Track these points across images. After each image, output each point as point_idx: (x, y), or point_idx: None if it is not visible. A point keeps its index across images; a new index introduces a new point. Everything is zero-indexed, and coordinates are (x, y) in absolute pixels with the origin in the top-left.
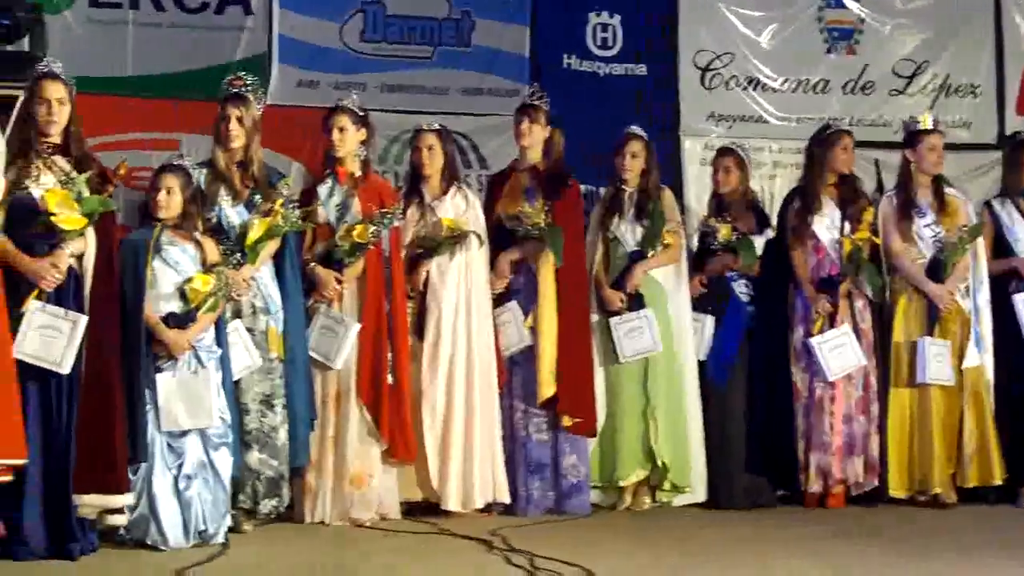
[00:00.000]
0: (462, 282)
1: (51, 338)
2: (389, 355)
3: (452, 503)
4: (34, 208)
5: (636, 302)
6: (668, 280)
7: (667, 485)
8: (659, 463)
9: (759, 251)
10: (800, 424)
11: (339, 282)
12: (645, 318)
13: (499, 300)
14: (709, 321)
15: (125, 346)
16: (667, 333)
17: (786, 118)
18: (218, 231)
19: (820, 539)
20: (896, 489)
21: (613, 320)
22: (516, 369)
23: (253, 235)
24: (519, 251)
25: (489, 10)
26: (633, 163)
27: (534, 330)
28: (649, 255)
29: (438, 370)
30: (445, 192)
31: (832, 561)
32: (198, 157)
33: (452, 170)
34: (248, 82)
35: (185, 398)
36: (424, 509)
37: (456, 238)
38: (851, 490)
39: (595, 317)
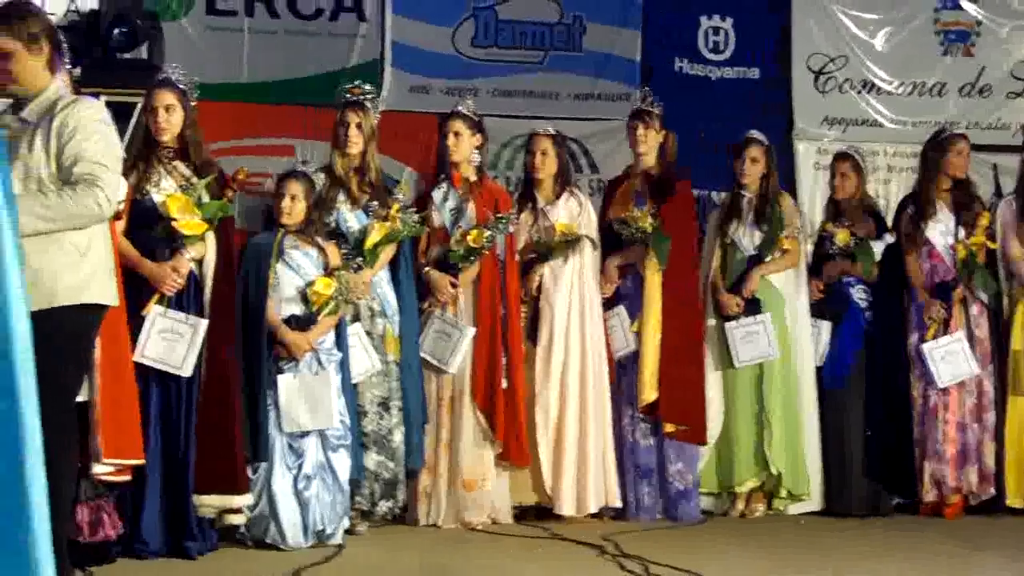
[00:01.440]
0: (575, 286)
1: (172, 342)
2: (503, 359)
3: (566, 508)
4: (155, 213)
5: (753, 307)
6: (786, 285)
7: (783, 492)
8: (773, 470)
9: (877, 256)
10: (916, 432)
11: (454, 286)
12: (762, 323)
13: (608, 304)
14: (826, 327)
15: (247, 348)
16: (784, 339)
17: (901, 121)
18: (336, 236)
19: (936, 549)
20: (1014, 499)
21: (729, 325)
22: (623, 374)
23: (372, 239)
24: (625, 255)
25: (600, 14)
26: (753, 167)
27: (638, 335)
28: (767, 260)
29: (551, 374)
30: (558, 196)
31: (948, 572)
32: (313, 162)
33: (565, 174)
34: (365, 90)
35: (306, 399)
36: (535, 513)
37: (569, 242)
38: (968, 500)
39: (711, 322)
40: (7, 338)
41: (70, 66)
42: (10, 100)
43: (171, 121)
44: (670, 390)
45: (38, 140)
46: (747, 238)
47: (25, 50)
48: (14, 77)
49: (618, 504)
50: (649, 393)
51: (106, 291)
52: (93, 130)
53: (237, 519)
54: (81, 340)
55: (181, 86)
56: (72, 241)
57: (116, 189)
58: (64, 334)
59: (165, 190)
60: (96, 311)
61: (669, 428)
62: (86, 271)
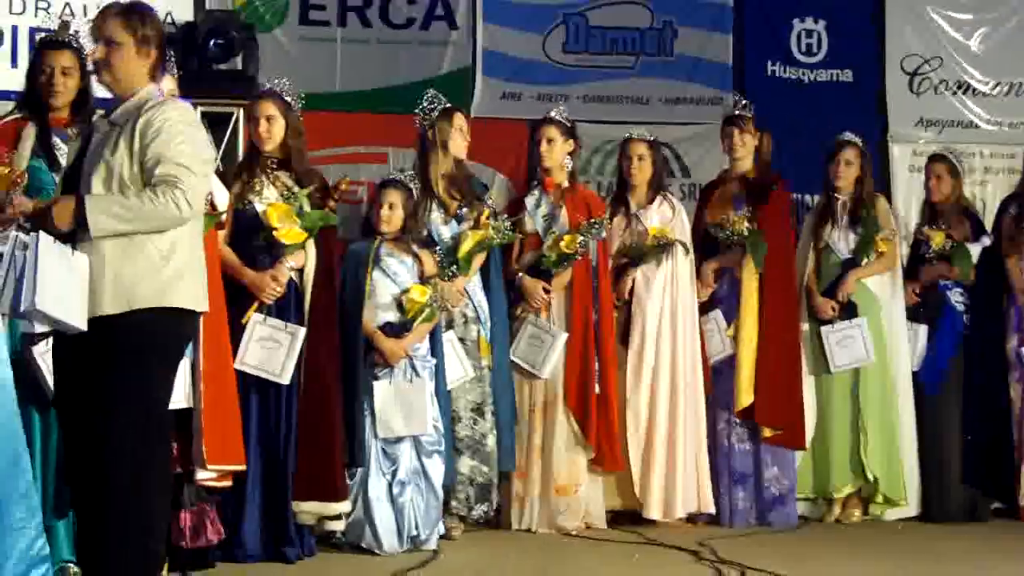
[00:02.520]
0: (667, 291)
1: (271, 349)
2: (596, 364)
3: (653, 512)
4: (257, 222)
5: (848, 311)
6: (882, 289)
7: (879, 498)
8: (869, 476)
9: (975, 259)
10: (1015, 436)
11: (547, 292)
12: (858, 327)
13: (704, 308)
14: (923, 331)
15: (344, 354)
16: (880, 343)
17: (997, 123)
18: (428, 243)
19: None
20: None
21: (824, 329)
22: (720, 378)
23: (466, 247)
24: (722, 259)
25: (692, 18)
26: (847, 170)
27: (735, 339)
28: (863, 263)
29: (642, 378)
30: (651, 201)
31: None
32: (406, 169)
33: (659, 179)
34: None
35: (401, 406)
36: (628, 518)
37: (662, 247)
38: None
39: (805, 326)
40: None
41: (172, 82)
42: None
43: (272, 131)
44: (767, 394)
45: (122, 141)
46: (842, 241)
47: (134, 47)
48: (113, 68)
49: (711, 509)
50: (746, 397)
51: (190, 296)
52: (178, 131)
53: (336, 525)
54: (166, 345)
55: (285, 97)
56: (155, 244)
57: (199, 193)
58: (144, 338)
59: (267, 199)
60: (181, 316)
61: (767, 432)
62: (168, 275)
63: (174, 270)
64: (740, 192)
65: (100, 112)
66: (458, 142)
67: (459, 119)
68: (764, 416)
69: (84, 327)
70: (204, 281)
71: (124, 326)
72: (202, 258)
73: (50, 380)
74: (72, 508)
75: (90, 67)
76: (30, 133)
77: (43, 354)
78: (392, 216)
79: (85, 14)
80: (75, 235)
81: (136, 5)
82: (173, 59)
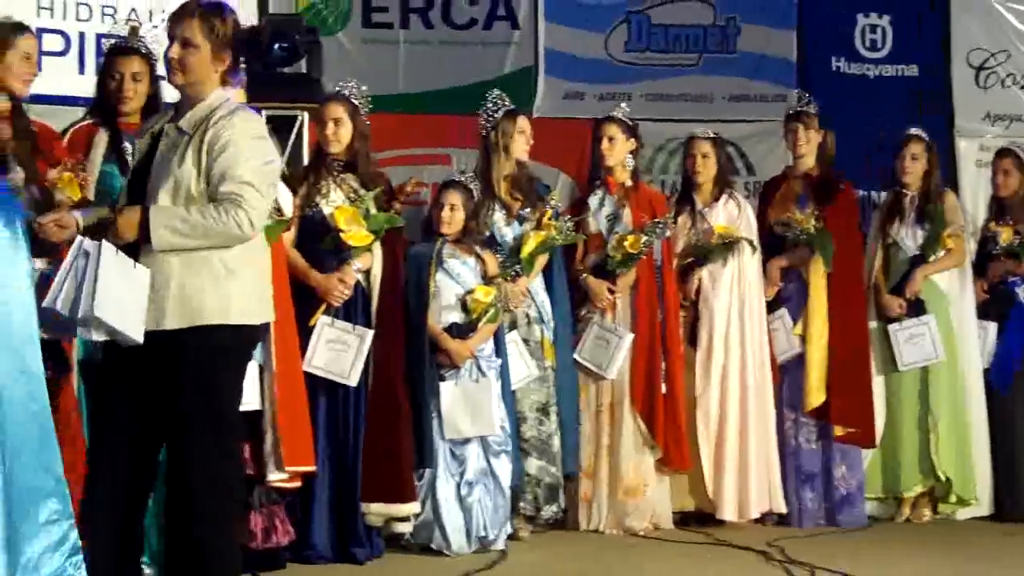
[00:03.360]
0: (735, 289)
1: (339, 352)
2: (663, 364)
3: (728, 513)
4: (324, 225)
5: (916, 308)
6: (951, 285)
7: (951, 498)
8: (940, 476)
9: None
10: None
11: (612, 292)
12: (926, 325)
13: (770, 307)
14: (992, 328)
15: (409, 356)
16: (949, 340)
17: None
18: (490, 244)
19: None
20: None
21: (892, 327)
22: (787, 377)
23: (528, 247)
24: (788, 258)
25: (755, 15)
26: (914, 165)
27: (803, 338)
28: (931, 259)
29: (711, 378)
30: (717, 199)
31: None
32: (468, 171)
33: (724, 177)
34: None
35: (467, 406)
36: (696, 518)
37: (728, 245)
38: None
39: (872, 324)
40: None
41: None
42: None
43: (340, 134)
44: (839, 393)
45: (190, 153)
46: (910, 238)
47: (211, 51)
48: (188, 71)
49: (782, 509)
50: (817, 396)
51: (255, 311)
52: (245, 146)
53: (404, 527)
54: (230, 358)
55: (353, 100)
56: (221, 259)
57: (262, 212)
58: (208, 353)
59: (334, 202)
60: (245, 331)
61: (839, 431)
62: (233, 290)
63: (239, 285)
64: (804, 190)
65: (168, 114)
66: (520, 144)
67: (522, 122)
68: (837, 415)
69: (140, 339)
70: (269, 292)
71: (188, 342)
72: (267, 269)
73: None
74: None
75: (160, 70)
76: (102, 139)
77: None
78: (453, 217)
79: (150, 19)
80: (138, 246)
81: (216, 5)
82: (244, 66)
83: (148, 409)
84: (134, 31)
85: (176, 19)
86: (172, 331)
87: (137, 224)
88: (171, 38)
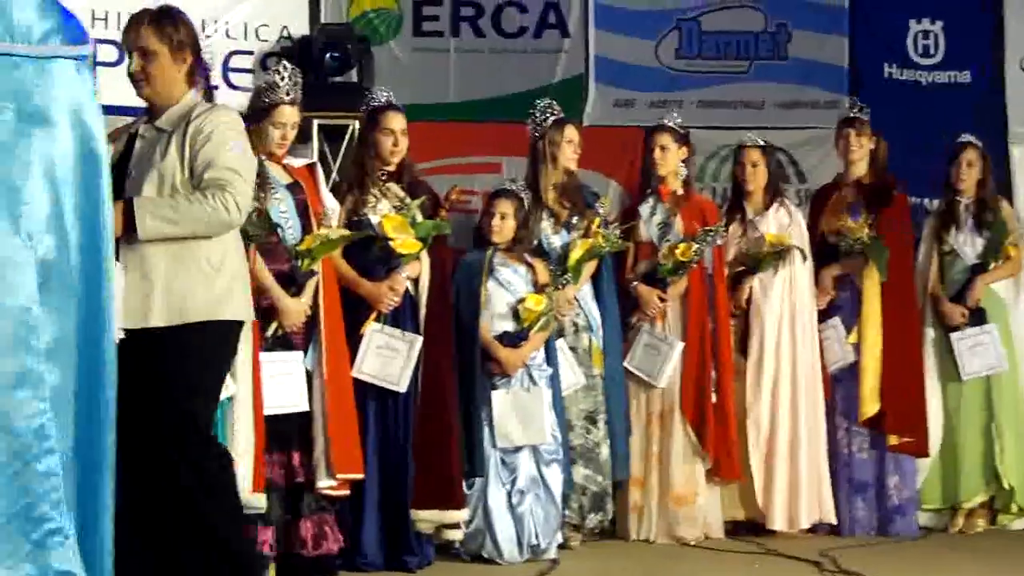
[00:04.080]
0: (786, 298)
1: (389, 358)
2: (713, 373)
3: (778, 523)
4: (372, 233)
5: (978, 317)
6: (1008, 293)
7: (1013, 508)
8: (1005, 485)
9: None
10: None
11: (662, 300)
12: (989, 333)
13: (822, 316)
14: None
15: (461, 364)
16: (1010, 348)
17: None
18: (539, 252)
19: None
20: None
21: (954, 336)
22: (839, 386)
23: (575, 256)
24: (842, 266)
25: (806, 21)
26: (969, 172)
27: (857, 346)
28: (991, 267)
29: (762, 387)
30: (768, 207)
31: None
32: (519, 179)
33: (775, 185)
34: (556, 107)
35: (519, 415)
36: (746, 528)
37: (779, 253)
38: None
39: (931, 332)
40: None
41: (209, 85)
42: (145, 107)
43: (403, 145)
44: (894, 402)
45: (172, 146)
46: (968, 246)
47: (169, 55)
48: (151, 80)
49: (833, 519)
50: (871, 406)
51: (241, 307)
52: (228, 137)
53: (454, 534)
54: (215, 357)
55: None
56: (206, 256)
57: (247, 197)
58: (196, 351)
59: (381, 211)
60: (231, 327)
61: (893, 440)
62: (220, 287)
63: (226, 282)
64: (856, 198)
65: (143, 118)
66: (567, 153)
67: (569, 131)
68: (892, 424)
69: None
70: (249, 292)
71: (174, 339)
72: (247, 269)
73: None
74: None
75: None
76: None
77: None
78: (504, 226)
79: (203, 29)
80: (118, 241)
81: (167, 10)
82: (210, 64)
83: (131, 407)
84: None
85: (129, 31)
86: (158, 329)
87: (121, 215)
88: (128, 52)
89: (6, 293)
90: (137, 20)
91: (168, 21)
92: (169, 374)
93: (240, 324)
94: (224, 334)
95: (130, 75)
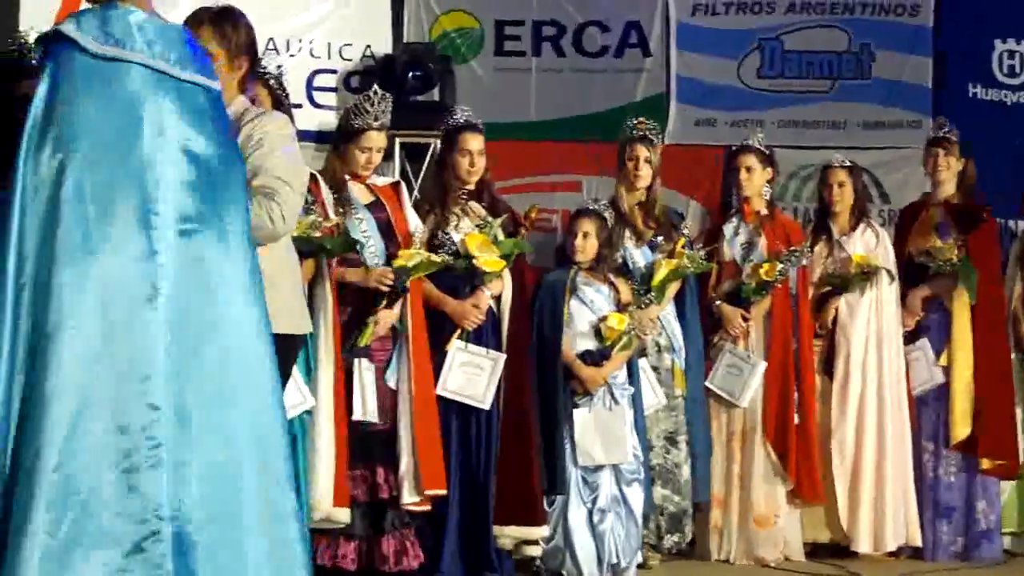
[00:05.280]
0: (872, 319)
1: (473, 375)
2: (796, 394)
3: (863, 545)
4: (472, 266)
5: None
6: None
7: None
8: None
9: None
10: None
11: (745, 320)
12: None
13: (910, 337)
14: None
15: (543, 382)
16: None
17: None
18: (623, 271)
19: None
20: None
21: None
22: (925, 408)
23: (660, 275)
24: (931, 287)
25: (889, 41)
26: None
27: (946, 369)
28: None
29: (848, 408)
30: (854, 228)
31: None
32: (601, 198)
33: (861, 205)
34: (651, 125)
35: (601, 434)
36: (828, 550)
37: (867, 274)
38: None
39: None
40: None
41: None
42: None
43: (480, 165)
44: (988, 426)
45: None
46: None
47: (226, 60)
48: None
49: (918, 542)
50: (962, 429)
51: (297, 322)
52: (278, 144)
53: (533, 551)
54: None
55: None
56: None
57: (295, 207)
58: None
59: (462, 230)
60: (289, 341)
61: (986, 464)
62: (274, 301)
63: (280, 296)
64: (945, 218)
65: None
66: (645, 172)
67: (640, 149)
68: (985, 448)
69: None
70: (305, 303)
71: None
72: (301, 281)
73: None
74: None
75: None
76: None
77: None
78: (586, 245)
79: (288, 49)
80: None
81: (227, 12)
82: (266, 68)
83: None
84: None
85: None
86: None
87: None
88: None
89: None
90: (196, 19)
91: (228, 23)
92: None
93: (299, 338)
94: (285, 346)
95: None
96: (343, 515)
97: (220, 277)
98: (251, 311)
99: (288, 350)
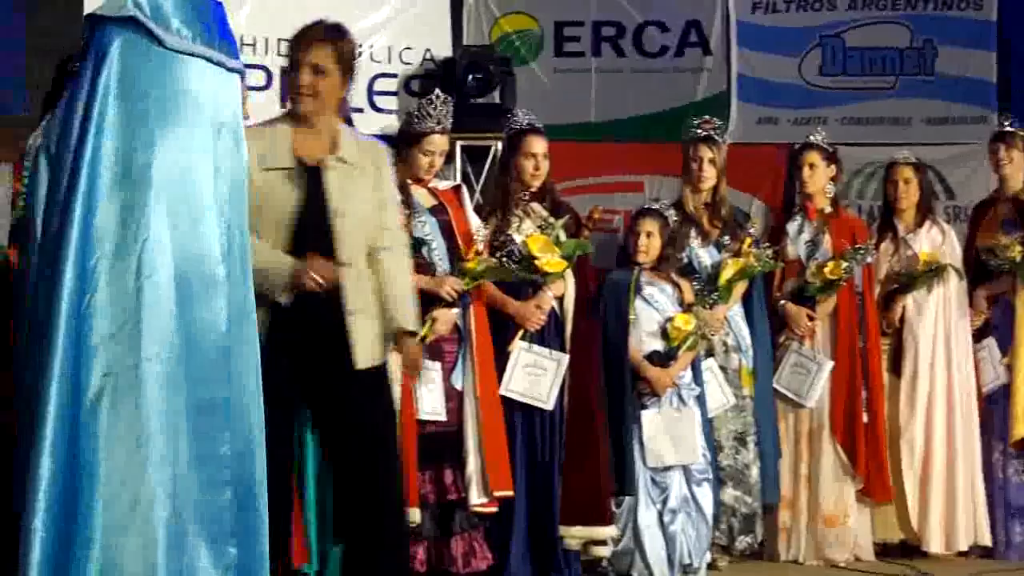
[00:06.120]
0: (940, 317)
1: (537, 376)
2: (863, 392)
3: (934, 545)
4: (538, 279)
5: None
6: None
7: None
8: None
9: None
10: None
11: (811, 319)
12: None
13: (977, 336)
14: None
15: (610, 383)
16: None
17: None
18: (688, 271)
19: None
20: None
21: None
22: (994, 408)
23: (726, 275)
24: (994, 285)
25: (952, 37)
26: None
27: (1010, 368)
28: None
29: (916, 407)
30: (920, 225)
31: None
32: (663, 198)
33: (927, 202)
34: (716, 124)
35: (669, 434)
36: (898, 550)
37: (934, 272)
38: None
39: None
40: None
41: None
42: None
43: (544, 167)
44: None
45: (361, 186)
46: None
47: (339, 75)
48: (318, 96)
49: (988, 542)
50: (1022, 427)
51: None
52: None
53: (602, 551)
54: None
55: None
56: None
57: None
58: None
59: (525, 231)
60: None
61: None
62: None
63: None
64: (1011, 214)
65: (286, 125)
66: (708, 171)
67: (703, 148)
68: None
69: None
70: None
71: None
72: None
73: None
74: None
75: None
76: None
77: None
78: (649, 245)
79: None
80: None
81: (342, 28)
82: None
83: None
84: None
85: (303, 44)
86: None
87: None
88: (296, 64)
89: (205, 309)
90: (313, 35)
91: (343, 41)
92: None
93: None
94: None
95: (294, 87)
96: (414, 515)
97: None
98: None
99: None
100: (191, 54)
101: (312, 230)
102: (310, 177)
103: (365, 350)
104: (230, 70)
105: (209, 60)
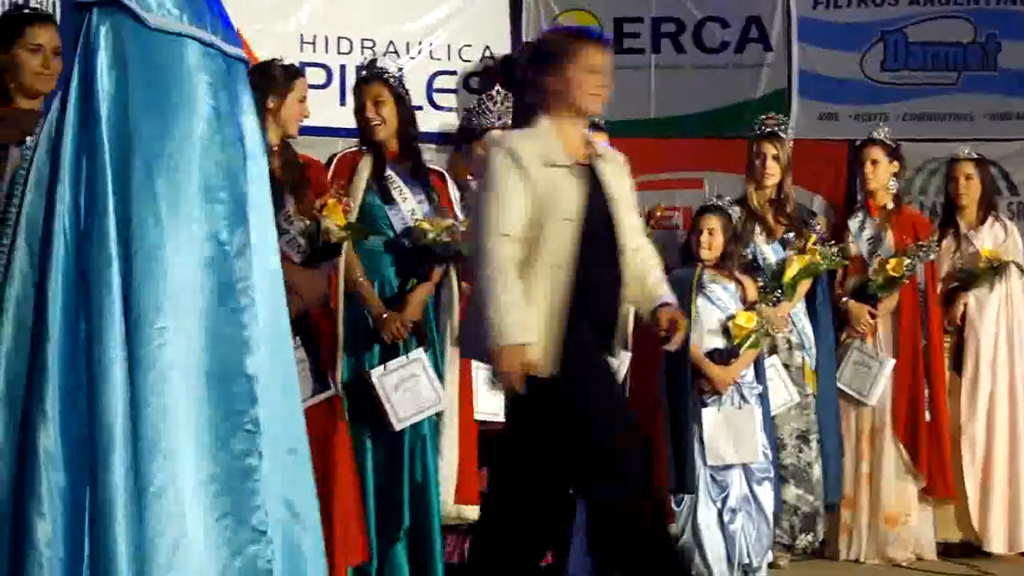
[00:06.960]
0: (1002, 315)
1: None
2: (926, 391)
3: (996, 545)
4: None
5: None
6: None
7: None
8: None
9: None
10: None
11: (873, 317)
12: None
13: None
14: None
15: (670, 381)
16: None
17: None
18: (753, 268)
19: None
20: None
21: None
22: None
23: (791, 272)
24: None
25: (1016, 31)
26: None
27: None
28: None
29: (978, 406)
30: (982, 222)
31: None
32: (724, 194)
33: (990, 199)
34: (780, 120)
35: (730, 433)
36: (960, 549)
37: (996, 269)
38: None
39: None
40: None
41: None
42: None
43: None
44: None
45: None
46: None
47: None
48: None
49: None
50: None
51: None
52: None
53: None
54: None
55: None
56: None
57: None
58: None
59: None
60: None
61: None
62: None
63: None
64: None
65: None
66: (771, 168)
67: (766, 145)
68: None
69: None
70: None
71: None
72: None
73: (389, 403)
74: None
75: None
76: (366, 165)
77: (380, 377)
78: (712, 242)
79: (408, 51)
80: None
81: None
82: (387, 69)
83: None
84: (372, 62)
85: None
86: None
87: None
88: (592, 68)
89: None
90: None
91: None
92: None
93: None
94: None
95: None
96: (472, 512)
97: None
98: None
99: None
100: (179, 34)
101: (594, 222)
102: (587, 174)
103: (625, 339)
104: (228, 56)
105: (200, 41)
